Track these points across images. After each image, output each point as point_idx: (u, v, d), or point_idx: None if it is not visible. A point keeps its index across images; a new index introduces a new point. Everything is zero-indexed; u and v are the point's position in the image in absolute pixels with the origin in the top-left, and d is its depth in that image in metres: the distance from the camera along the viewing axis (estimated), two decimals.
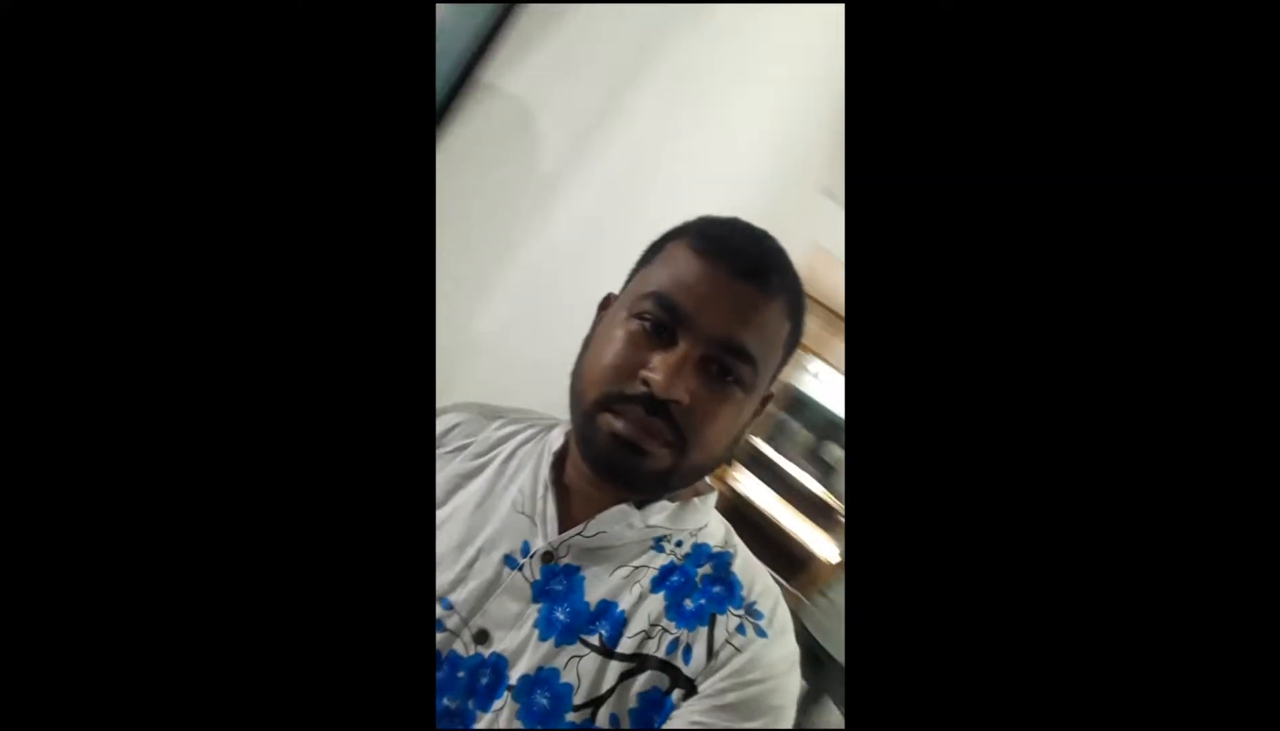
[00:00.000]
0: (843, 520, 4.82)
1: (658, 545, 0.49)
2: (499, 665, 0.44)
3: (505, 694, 0.43)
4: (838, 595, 2.28)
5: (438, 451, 0.54)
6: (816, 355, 4.37)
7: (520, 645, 0.44)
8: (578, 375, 0.49)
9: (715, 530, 0.53)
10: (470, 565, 0.47)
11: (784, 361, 0.51)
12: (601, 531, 0.47)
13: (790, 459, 5.09)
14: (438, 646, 0.45)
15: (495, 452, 0.55)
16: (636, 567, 0.48)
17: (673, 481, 0.48)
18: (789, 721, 0.43)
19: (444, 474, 0.53)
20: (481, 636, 0.45)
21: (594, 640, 0.44)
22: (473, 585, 0.46)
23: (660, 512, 0.49)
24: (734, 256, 0.46)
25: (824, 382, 5.10)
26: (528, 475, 0.52)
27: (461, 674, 0.44)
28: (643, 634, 0.45)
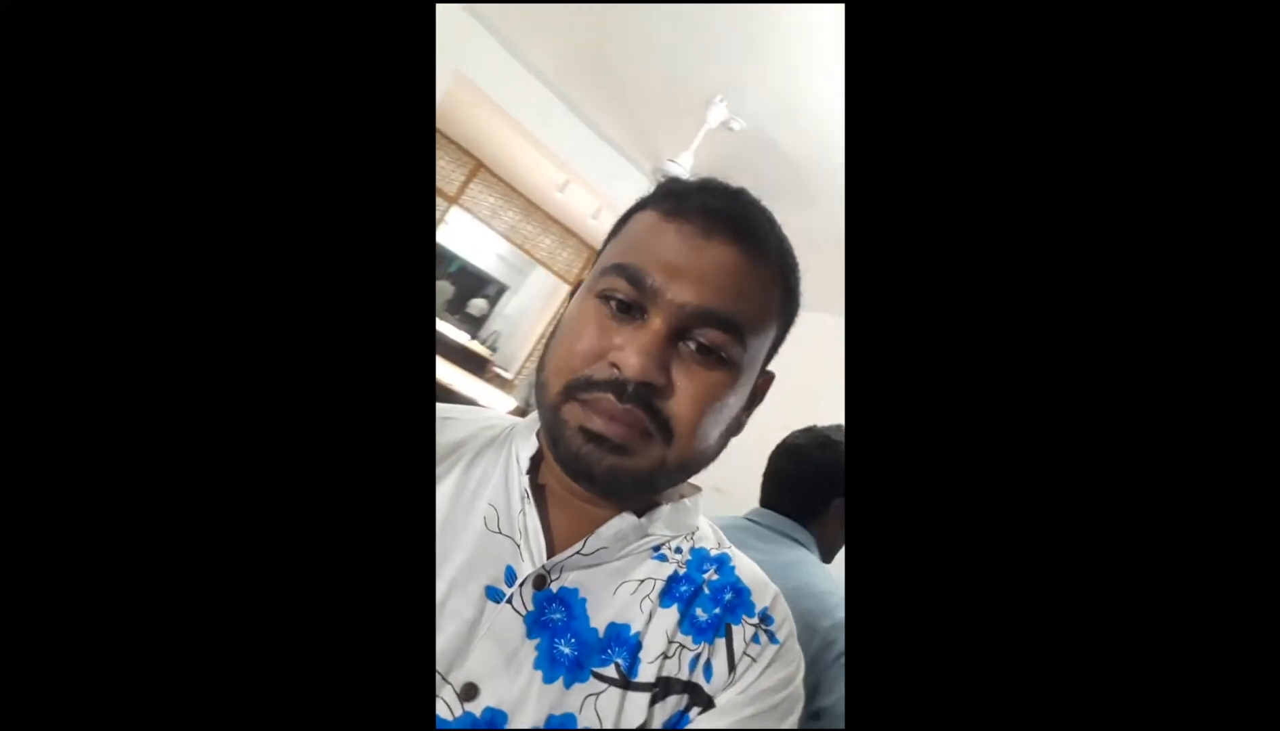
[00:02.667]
0: (498, 371, 5.05)
1: (657, 553, 0.44)
2: (496, 721, 0.36)
3: None
4: None
5: None
6: (453, 202, 4.18)
7: (521, 693, 0.37)
8: (542, 368, 0.42)
9: (706, 532, 0.48)
10: (442, 605, 0.38)
11: (781, 334, 0.45)
12: (603, 547, 0.41)
13: (439, 317, 4.98)
14: None
15: (452, 461, 0.44)
16: (642, 581, 0.42)
17: (660, 481, 0.40)
18: (797, 720, 0.42)
19: None
20: (469, 691, 0.36)
21: (609, 671, 0.38)
22: (450, 629, 0.37)
23: (659, 519, 0.44)
24: (705, 215, 0.40)
25: (460, 232, 4.98)
26: (497, 486, 0.43)
27: None
28: (662, 655, 0.39)
